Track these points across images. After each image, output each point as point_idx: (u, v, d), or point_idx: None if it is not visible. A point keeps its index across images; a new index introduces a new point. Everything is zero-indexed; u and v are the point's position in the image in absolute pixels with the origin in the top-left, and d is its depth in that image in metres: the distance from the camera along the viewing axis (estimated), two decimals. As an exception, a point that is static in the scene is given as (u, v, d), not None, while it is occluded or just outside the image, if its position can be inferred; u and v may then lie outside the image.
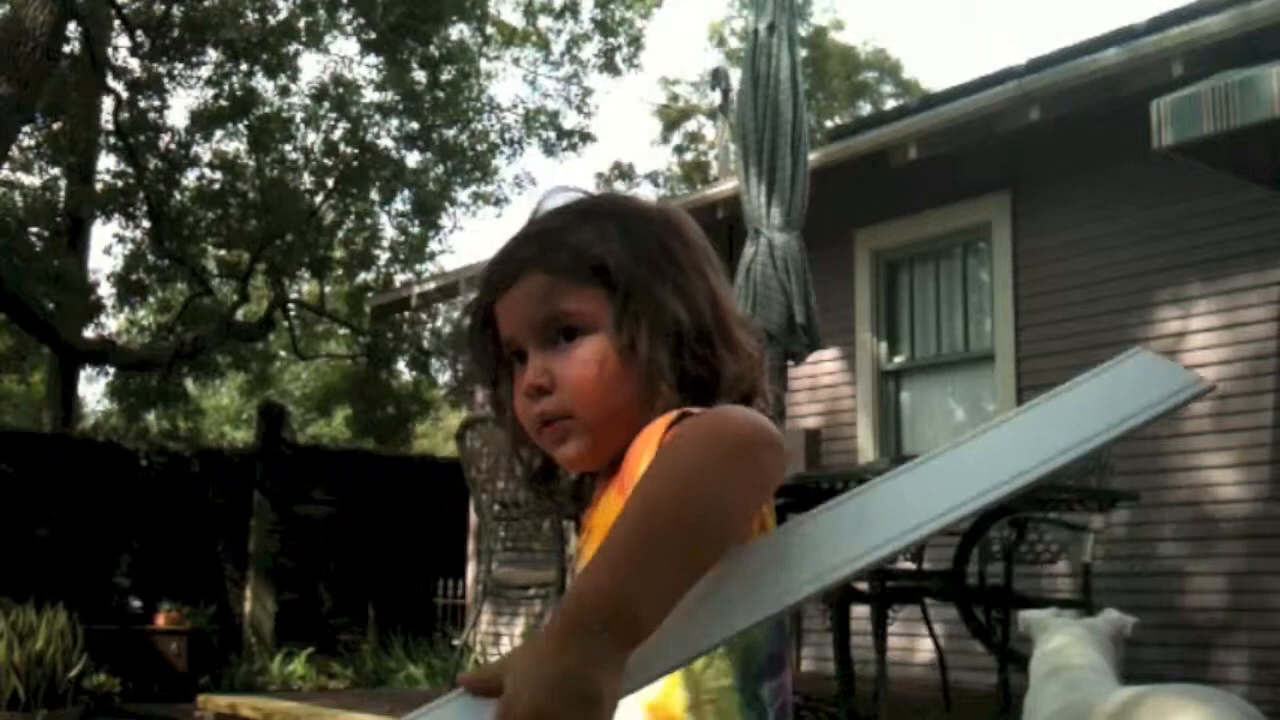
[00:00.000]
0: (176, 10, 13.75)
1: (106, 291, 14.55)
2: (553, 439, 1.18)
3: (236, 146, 15.01)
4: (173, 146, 14.51)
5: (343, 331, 18.23)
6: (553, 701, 0.85)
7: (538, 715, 0.85)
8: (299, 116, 15.35)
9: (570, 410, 1.16)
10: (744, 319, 1.23)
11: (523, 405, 1.20)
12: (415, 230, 16.27)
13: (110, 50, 14.24)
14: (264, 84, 14.87)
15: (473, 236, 61.61)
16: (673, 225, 1.24)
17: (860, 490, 0.95)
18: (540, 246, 1.19)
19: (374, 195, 15.72)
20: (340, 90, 15.33)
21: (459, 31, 15.93)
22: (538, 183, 18.09)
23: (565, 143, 17.20)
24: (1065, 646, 2.90)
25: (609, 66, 17.54)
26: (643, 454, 1.06)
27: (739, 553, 0.93)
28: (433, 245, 16.64)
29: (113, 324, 17.17)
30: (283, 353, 19.05)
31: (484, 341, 1.25)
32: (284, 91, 15.15)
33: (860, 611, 4.27)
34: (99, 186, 14.73)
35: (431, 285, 11.01)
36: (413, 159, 16.01)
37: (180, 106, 32.53)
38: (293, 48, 14.84)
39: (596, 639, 0.86)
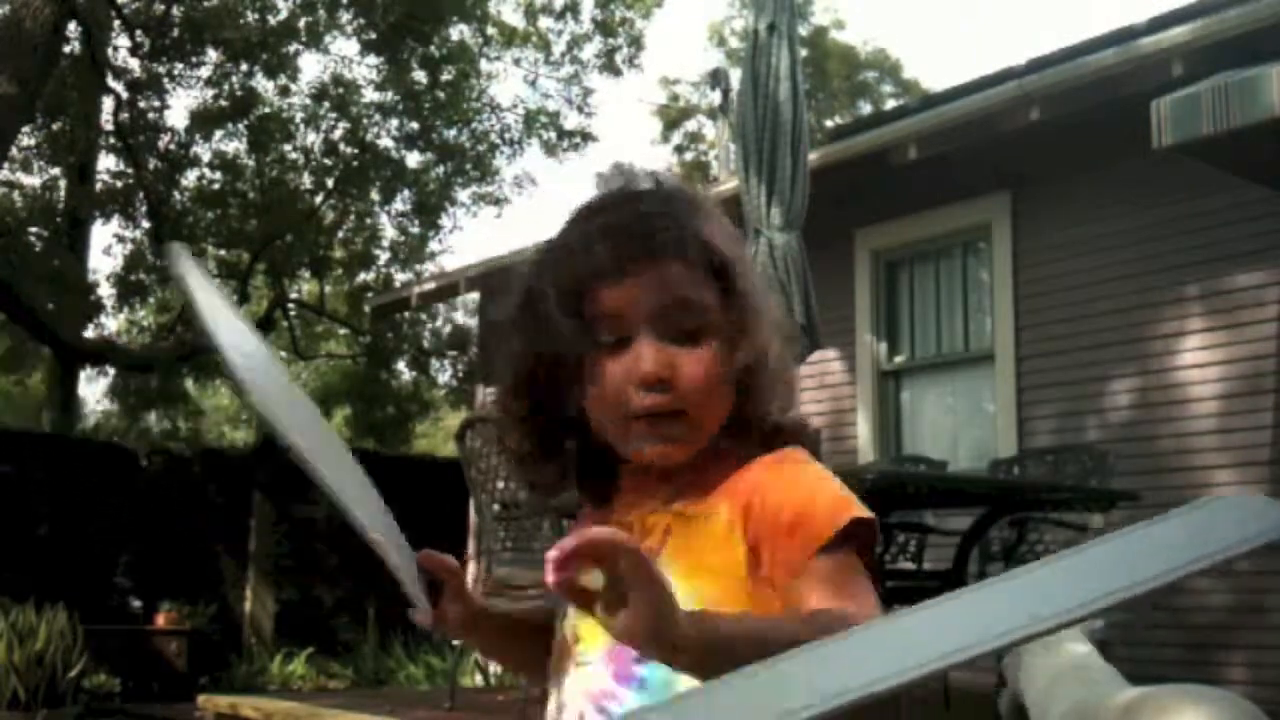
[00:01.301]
0: (176, 10, 13.75)
1: (106, 291, 14.55)
2: (650, 431, 1.14)
3: (236, 146, 15.01)
4: (172, 146, 14.51)
5: (343, 331, 18.24)
6: (655, 622, 0.89)
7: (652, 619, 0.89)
8: (299, 116, 15.35)
9: (684, 409, 1.13)
10: (794, 331, 1.24)
11: (621, 392, 1.13)
12: (415, 230, 16.28)
13: (110, 50, 14.24)
14: (264, 84, 14.88)
15: (473, 236, 61.66)
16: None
17: (956, 594, 0.92)
18: (671, 231, 1.14)
19: (374, 195, 15.72)
20: (340, 90, 15.34)
21: (459, 32, 15.93)
22: (538, 183, 18.11)
23: (566, 143, 17.20)
24: (1074, 648, 2.90)
25: (609, 67, 17.54)
26: (773, 493, 1.09)
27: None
28: (433, 245, 16.66)
29: (113, 324, 17.18)
30: (283, 353, 19.02)
31: (569, 316, 1.15)
32: (284, 91, 15.16)
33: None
34: (99, 186, 14.73)
35: (431, 285, 11.01)
36: (413, 159, 16.02)
37: (180, 106, 32.57)
38: (293, 48, 14.84)
39: (689, 649, 0.91)
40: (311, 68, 35.93)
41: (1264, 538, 0.91)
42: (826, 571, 1.04)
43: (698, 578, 1.09)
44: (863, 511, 1.07)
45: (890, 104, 22.54)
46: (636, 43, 17.61)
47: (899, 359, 7.14)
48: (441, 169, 16.16)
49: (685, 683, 1.04)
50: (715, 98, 16.76)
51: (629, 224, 1.15)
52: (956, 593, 0.87)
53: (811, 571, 1.05)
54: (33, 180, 14.82)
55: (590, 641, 1.16)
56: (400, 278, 15.99)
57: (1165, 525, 0.94)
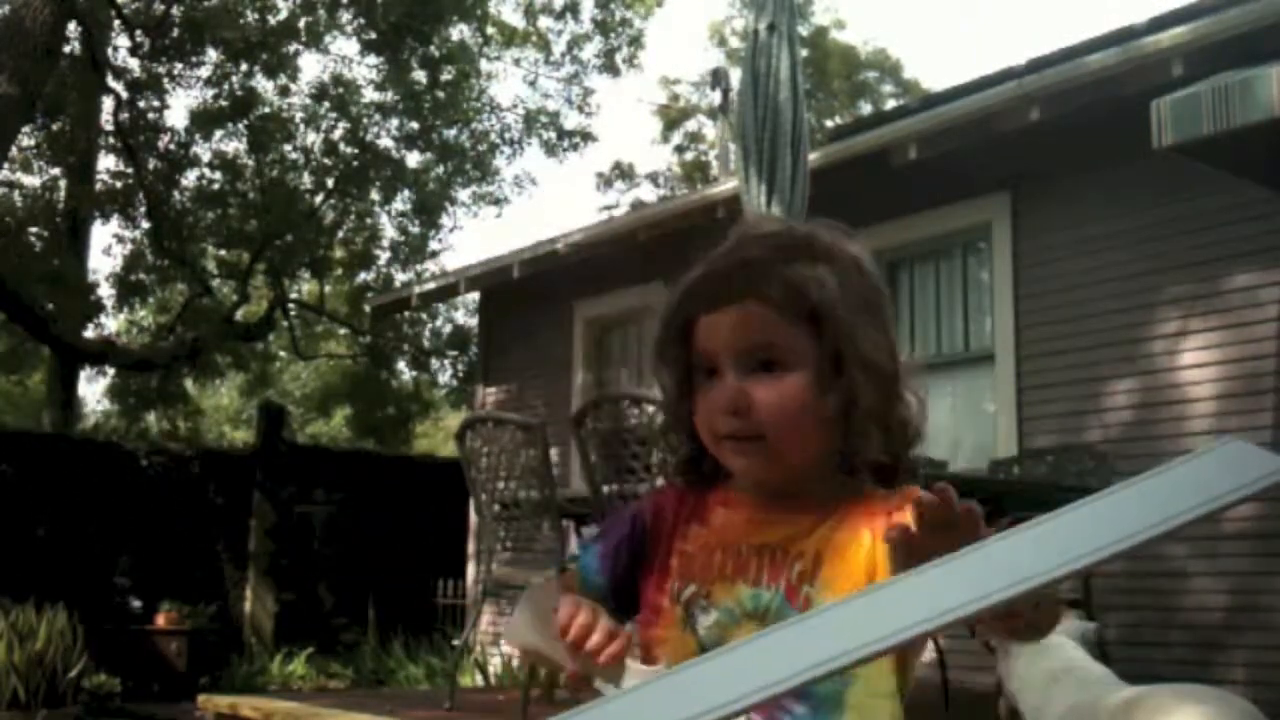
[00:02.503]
0: (176, 10, 13.75)
1: (106, 291, 14.55)
2: (734, 452, 1.28)
3: (236, 146, 15.01)
4: (172, 146, 14.51)
5: (343, 331, 18.23)
6: None
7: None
8: (299, 116, 15.35)
9: (759, 432, 1.25)
10: (912, 367, 1.32)
11: (711, 417, 1.28)
12: (415, 230, 16.28)
13: (110, 50, 14.24)
14: (264, 84, 14.88)
15: (473, 236, 61.67)
16: (871, 274, 1.33)
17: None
18: (760, 276, 1.26)
19: (374, 195, 15.72)
20: (340, 90, 15.34)
21: (459, 32, 15.94)
22: (538, 183, 18.14)
23: (566, 142, 17.21)
24: (1068, 650, 2.91)
25: (609, 67, 17.55)
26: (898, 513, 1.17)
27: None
28: (433, 245, 16.67)
29: (113, 324, 17.19)
30: (283, 353, 19.05)
31: (678, 344, 1.31)
32: (284, 91, 15.16)
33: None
34: (99, 186, 14.73)
35: (431, 285, 11.01)
36: (413, 159, 16.03)
37: (180, 106, 32.57)
38: (293, 48, 14.84)
39: None
40: (311, 68, 35.95)
41: (1261, 484, 0.94)
42: None
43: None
44: None
45: (890, 104, 22.55)
46: (636, 42, 17.63)
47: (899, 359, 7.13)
48: (441, 169, 16.16)
49: (849, 697, 1.16)
50: (715, 98, 16.77)
51: (717, 270, 1.30)
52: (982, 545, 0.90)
53: None
54: (33, 180, 14.84)
55: None
56: (400, 278, 15.99)
57: (1171, 474, 0.99)
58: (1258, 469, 0.97)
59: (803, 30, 21.27)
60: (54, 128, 14.14)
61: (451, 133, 16.00)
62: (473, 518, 9.14)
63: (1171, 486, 0.99)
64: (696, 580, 1.31)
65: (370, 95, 15.55)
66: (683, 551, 1.34)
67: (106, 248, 22.33)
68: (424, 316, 16.81)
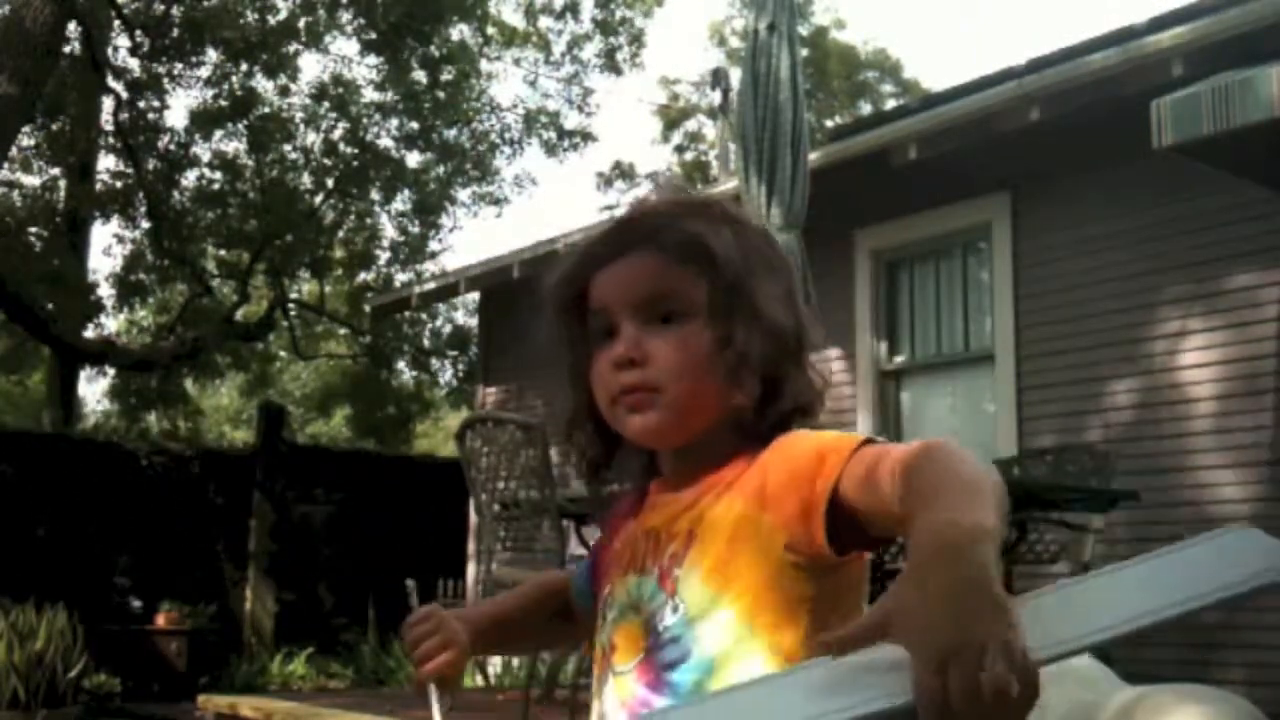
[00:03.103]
0: (176, 10, 13.75)
1: (106, 292, 14.54)
2: (629, 406, 1.22)
3: (236, 146, 15.01)
4: (172, 147, 14.50)
5: (343, 331, 18.23)
6: (969, 614, 0.81)
7: (962, 631, 0.81)
8: (299, 116, 15.35)
9: (656, 384, 1.20)
10: (817, 342, 1.28)
11: (606, 376, 1.23)
12: (415, 230, 16.27)
13: (110, 50, 14.24)
14: (264, 84, 14.87)
15: (473, 236, 61.65)
16: (771, 240, 1.33)
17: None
18: (654, 228, 1.24)
19: (374, 195, 15.71)
20: (340, 90, 15.33)
21: (459, 32, 15.93)
22: (538, 183, 18.15)
23: (567, 142, 17.20)
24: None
25: (610, 66, 17.54)
26: (778, 465, 1.14)
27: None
28: (433, 245, 16.66)
29: (112, 324, 17.18)
30: (283, 353, 19.04)
31: (573, 311, 1.27)
32: (284, 91, 15.15)
33: (860, 611, 4.27)
34: (99, 186, 14.72)
35: (431, 285, 11.01)
36: (413, 159, 16.02)
37: (180, 106, 32.56)
38: (293, 48, 14.84)
39: (981, 550, 0.86)
40: (311, 68, 35.94)
41: (1270, 577, 0.92)
42: (857, 473, 1.07)
43: (722, 574, 1.14)
44: (856, 439, 1.11)
45: (890, 104, 22.54)
46: (637, 41, 17.62)
47: (899, 359, 7.14)
48: (441, 169, 16.15)
49: (713, 687, 1.10)
50: (715, 98, 16.76)
51: (611, 228, 1.28)
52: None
53: (846, 491, 1.07)
54: (33, 180, 14.83)
55: (624, 651, 1.20)
56: (400, 278, 15.98)
57: (1183, 555, 0.97)
58: (1265, 560, 0.96)
59: (803, 30, 21.27)
60: (54, 128, 14.13)
61: (451, 133, 15.99)
62: (473, 518, 9.14)
63: (1184, 569, 0.97)
64: (609, 579, 1.28)
65: (370, 95, 15.55)
66: (610, 551, 1.31)
67: (106, 248, 22.34)
68: (424, 316, 16.80)
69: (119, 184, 14.59)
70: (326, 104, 15.26)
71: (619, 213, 1.32)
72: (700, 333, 1.20)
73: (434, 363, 17.09)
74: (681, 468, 1.24)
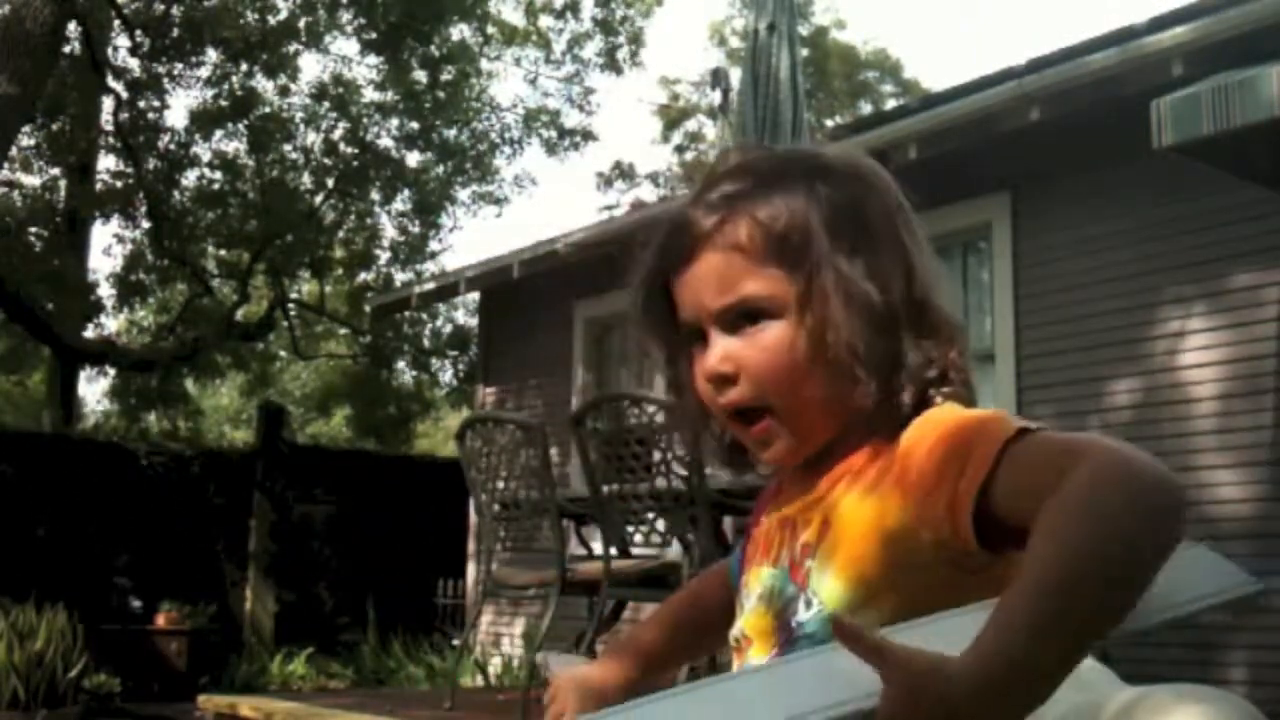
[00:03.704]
0: (176, 10, 13.75)
1: (106, 292, 14.55)
2: (757, 442, 1.11)
3: (236, 146, 15.01)
4: (172, 146, 14.50)
5: (343, 331, 18.23)
6: None
7: None
8: (299, 116, 15.35)
9: (764, 400, 1.08)
10: (944, 294, 1.15)
11: (705, 390, 1.11)
12: (415, 230, 16.27)
13: (110, 50, 14.24)
14: (264, 84, 14.87)
15: (473, 235, 61.64)
16: (866, 185, 1.13)
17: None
18: (719, 218, 1.09)
19: (374, 195, 15.71)
20: (340, 90, 15.33)
21: (459, 31, 15.93)
22: (538, 183, 18.15)
23: (567, 141, 17.21)
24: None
25: (610, 66, 17.54)
26: (921, 452, 1.02)
27: None
28: (433, 245, 16.66)
29: (113, 324, 17.18)
30: (283, 353, 19.04)
31: (660, 314, 1.15)
32: (284, 91, 15.16)
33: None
34: (99, 186, 14.72)
35: (431, 285, 11.01)
36: (413, 159, 16.02)
37: (180, 106, 32.55)
38: (293, 48, 14.84)
39: (1008, 702, 0.89)
40: (311, 68, 35.93)
41: (1225, 596, 0.92)
42: (1011, 481, 0.96)
43: (859, 570, 1.05)
44: (1017, 424, 0.99)
45: (890, 104, 22.54)
46: (637, 41, 17.62)
47: (899, 359, 7.13)
48: (441, 169, 16.15)
49: None
50: (715, 98, 16.76)
51: (678, 215, 1.12)
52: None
53: (998, 496, 0.97)
54: (33, 180, 14.83)
55: (760, 645, 1.14)
56: (400, 278, 15.98)
57: None
58: (1219, 581, 0.96)
59: (803, 30, 21.26)
60: (54, 128, 14.13)
61: (451, 133, 15.99)
62: (473, 518, 9.14)
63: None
64: (748, 568, 1.20)
65: (370, 95, 15.55)
66: (752, 538, 1.22)
67: (106, 248, 22.35)
68: (424, 316, 16.81)
69: (119, 184, 14.59)
70: (326, 104, 15.26)
71: (682, 205, 1.13)
72: (789, 331, 1.06)
73: (434, 363, 17.09)
74: (813, 457, 1.13)
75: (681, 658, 1.40)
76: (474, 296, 11.73)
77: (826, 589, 1.06)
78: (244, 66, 14.41)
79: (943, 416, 1.05)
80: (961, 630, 0.88)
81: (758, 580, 1.16)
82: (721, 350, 1.08)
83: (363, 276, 16.49)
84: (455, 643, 8.75)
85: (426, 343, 17.04)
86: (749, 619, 1.15)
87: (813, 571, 1.08)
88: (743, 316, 1.08)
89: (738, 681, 0.95)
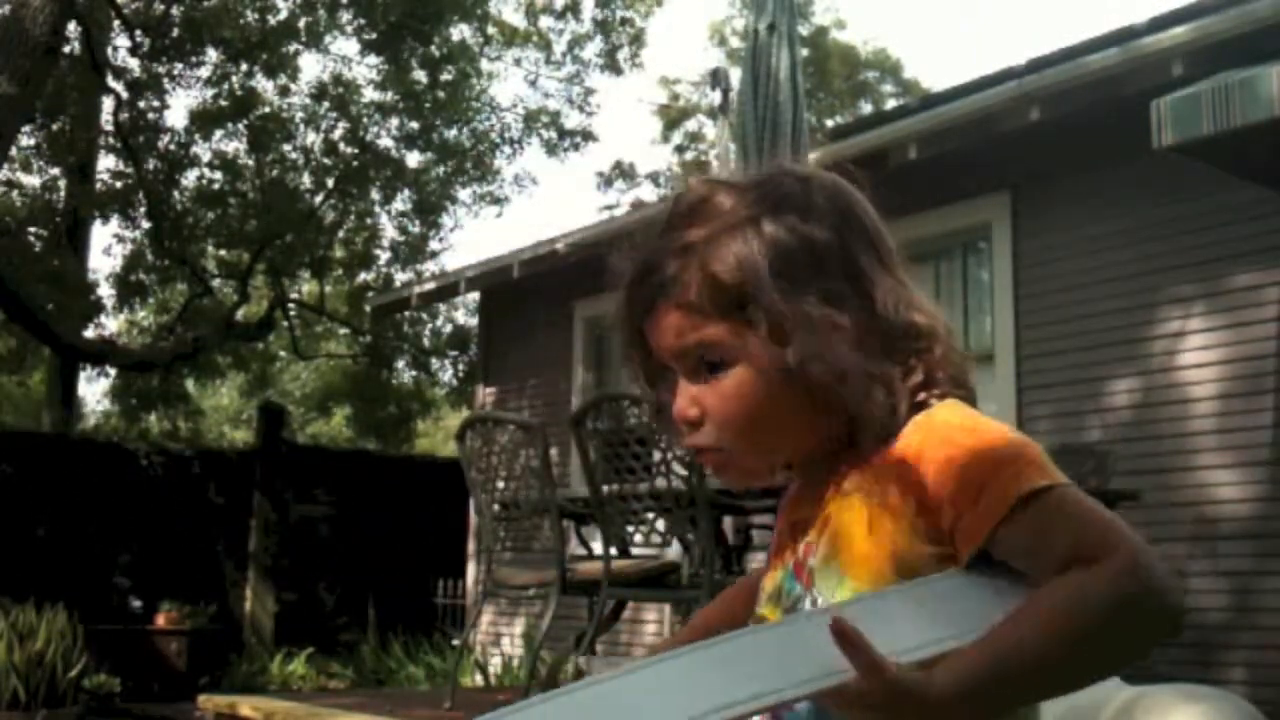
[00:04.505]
0: (176, 10, 13.75)
1: (106, 291, 14.55)
2: (712, 468, 1.19)
3: (236, 146, 15.01)
4: (172, 146, 14.50)
5: (343, 331, 18.23)
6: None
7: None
8: (299, 116, 15.35)
9: (721, 443, 1.13)
10: (914, 301, 1.16)
11: (680, 428, 1.17)
12: (415, 230, 16.27)
13: (110, 50, 14.24)
14: (264, 84, 14.87)
15: (473, 235, 61.64)
16: (821, 215, 1.15)
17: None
18: (674, 271, 1.12)
19: (374, 195, 15.72)
20: (340, 90, 15.33)
21: (459, 31, 15.93)
22: (538, 182, 18.14)
23: (567, 142, 17.21)
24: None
25: (610, 66, 17.54)
26: (924, 462, 1.05)
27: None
28: (433, 245, 16.66)
29: (113, 324, 17.18)
30: (283, 353, 19.04)
31: (640, 348, 1.19)
32: (284, 91, 15.16)
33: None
34: (99, 186, 14.72)
35: (431, 285, 11.01)
36: (413, 159, 16.02)
37: (180, 106, 32.57)
38: (293, 48, 14.84)
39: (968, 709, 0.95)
40: (311, 68, 35.96)
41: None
42: (1020, 542, 1.00)
43: (863, 569, 1.07)
44: (1036, 479, 1.01)
45: (890, 104, 22.55)
46: (637, 40, 17.62)
47: (899, 359, 7.13)
48: (441, 169, 16.15)
49: None
50: (715, 98, 16.76)
51: (635, 274, 1.16)
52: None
53: (1005, 548, 1.01)
54: (33, 180, 14.83)
55: None
56: (400, 278, 15.98)
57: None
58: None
59: (803, 30, 21.27)
60: (54, 128, 14.13)
61: (451, 133, 15.99)
62: (473, 518, 9.14)
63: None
64: (766, 573, 1.24)
65: (370, 95, 15.55)
66: (772, 543, 1.27)
67: (106, 248, 22.34)
68: (424, 316, 16.81)
69: (119, 184, 14.59)
70: (326, 104, 15.26)
71: (640, 256, 1.17)
72: (747, 377, 1.10)
73: (434, 363, 17.09)
74: (809, 466, 1.17)
75: None
76: (474, 296, 11.73)
77: (828, 585, 1.10)
78: (244, 66, 14.41)
79: (955, 429, 1.07)
80: (943, 598, 0.99)
81: (770, 581, 1.20)
82: (686, 397, 1.14)
83: (363, 276, 16.49)
84: (455, 643, 8.75)
85: (426, 343, 17.04)
86: (762, 619, 1.19)
87: (817, 571, 1.11)
88: (703, 364, 1.13)
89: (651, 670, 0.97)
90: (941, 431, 1.07)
